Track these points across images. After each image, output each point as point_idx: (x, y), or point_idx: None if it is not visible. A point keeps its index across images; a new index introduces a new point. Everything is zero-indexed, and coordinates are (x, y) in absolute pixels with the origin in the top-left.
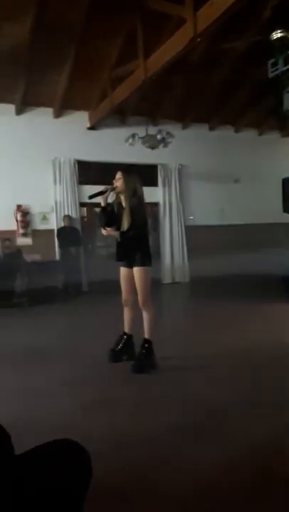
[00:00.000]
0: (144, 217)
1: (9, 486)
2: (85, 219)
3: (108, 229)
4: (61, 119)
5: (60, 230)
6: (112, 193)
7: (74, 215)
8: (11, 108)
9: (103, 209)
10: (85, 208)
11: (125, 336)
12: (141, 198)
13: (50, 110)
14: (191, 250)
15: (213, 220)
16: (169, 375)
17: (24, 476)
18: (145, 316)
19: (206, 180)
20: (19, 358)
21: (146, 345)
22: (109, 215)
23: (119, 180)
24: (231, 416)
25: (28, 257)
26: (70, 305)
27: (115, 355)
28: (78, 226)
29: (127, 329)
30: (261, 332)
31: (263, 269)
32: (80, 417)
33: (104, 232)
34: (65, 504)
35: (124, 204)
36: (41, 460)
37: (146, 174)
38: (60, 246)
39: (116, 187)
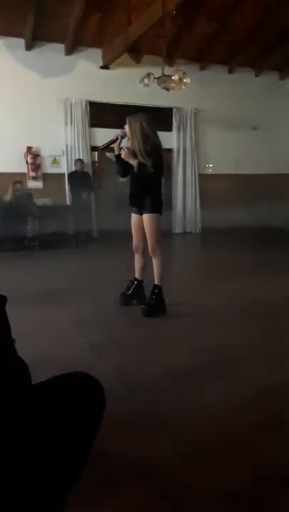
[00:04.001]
0: (156, 160)
1: (27, 414)
2: (96, 164)
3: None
4: (73, 57)
5: (72, 174)
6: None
7: (85, 160)
8: (21, 42)
9: (117, 157)
10: (96, 153)
11: (136, 282)
12: (152, 140)
13: (61, 46)
14: (204, 200)
15: (228, 169)
16: (179, 320)
17: (39, 404)
18: (154, 262)
19: (222, 126)
20: (31, 299)
21: (156, 290)
22: (125, 162)
23: (126, 126)
24: (240, 360)
25: (39, 201)
26: (80, 250)
27: (126, 299)
28: (89, 171)
29: (137, 275)
30: (272, 282)
31: (278, 221)
32: (92, 355)
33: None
34: (79, 433)
35: (133, 148)
36: (56, 389)
37: (161, 118)
38: (72, 191)
39: (126, 133)
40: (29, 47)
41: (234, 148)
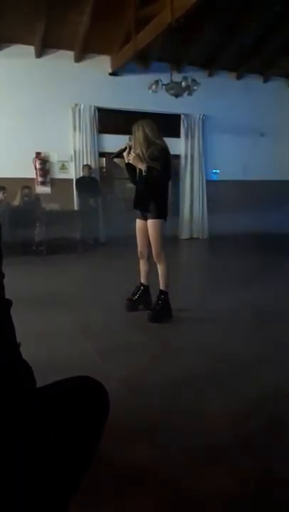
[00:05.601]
0: (164, 164)
1: (27, 414)
2: (104, 169)
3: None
4: (82, 64)
5: (80, 180)
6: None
7: (93, 165)
8: (31, 50)
9: (128, 165)
10: (104, 159)
11: (142, 287)
12: (158, 144)
13: (70, 53)
14: (211, 206)
15: (235, 175)
16: (184, 326)
17: (40, 405)
18: (159, 268)
19: (230, 132)
20: (39, 303)
21: (162, 296)
22: (136, 169)
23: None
24: (241, 366)
25: (47, 206)
26: (87, 255)
27: (132, 305)
28: (97, 176)
29: (143, 280)
30: (280, 289)
31: (286, 227)
32: (99, 360)
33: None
34: (81, 435)
35: (140, 155)
36: (59, 391)
37: (169, 124)
38: (79, 196)
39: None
40: (39, 54)
41: (242, 155)
